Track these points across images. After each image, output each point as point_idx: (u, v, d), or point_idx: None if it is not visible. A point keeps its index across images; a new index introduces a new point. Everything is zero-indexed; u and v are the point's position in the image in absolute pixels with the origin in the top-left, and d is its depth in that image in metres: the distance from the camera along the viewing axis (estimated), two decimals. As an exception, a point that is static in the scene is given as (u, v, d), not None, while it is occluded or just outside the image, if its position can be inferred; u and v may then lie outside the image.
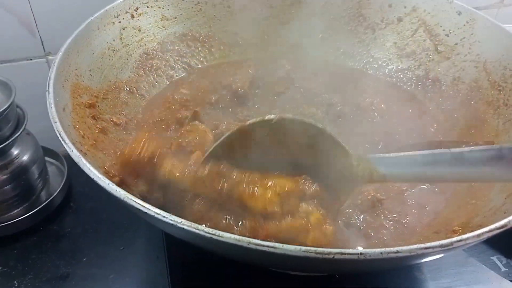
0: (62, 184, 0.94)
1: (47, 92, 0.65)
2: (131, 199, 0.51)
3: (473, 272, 0.78)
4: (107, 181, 0.53)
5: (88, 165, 0.55)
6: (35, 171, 0.91)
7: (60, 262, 0.83)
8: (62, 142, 0.58)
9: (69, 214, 0.94)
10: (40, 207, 0.89)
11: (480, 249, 0.86)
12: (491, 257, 0.85)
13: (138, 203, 0.51)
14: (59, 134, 0.59)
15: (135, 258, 0.84)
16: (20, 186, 0.88)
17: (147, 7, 0.95)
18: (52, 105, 0.63)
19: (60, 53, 0.74)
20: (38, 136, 0.94)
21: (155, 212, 0.50)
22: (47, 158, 1.00)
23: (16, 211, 0.89)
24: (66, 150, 0.57)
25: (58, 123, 0.60)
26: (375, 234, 0.69)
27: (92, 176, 0.54)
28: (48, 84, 0.67)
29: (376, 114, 0.91)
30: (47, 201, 0.90)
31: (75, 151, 0.56)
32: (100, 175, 0.54)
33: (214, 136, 0.74)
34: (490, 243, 0.87)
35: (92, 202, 0.95)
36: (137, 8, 0.93)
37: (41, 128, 0.88)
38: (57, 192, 0.92)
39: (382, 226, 0.70)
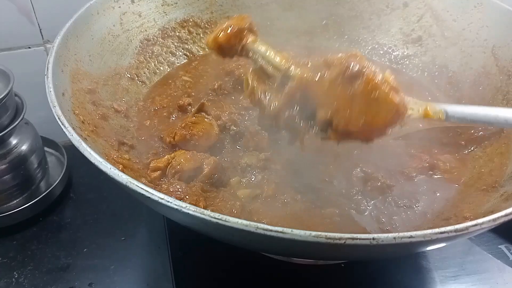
0: (62, 174, 0.93)
1: (45, 76, 0.64)
2: (133, 183, 0.50)
3: (479, 261, 0.78)
4: (109, 165, 0.51)
5: (88, 149, 0.53)
6: (34, 161, 0.90)
7: (60, 253, 0.82)
8: (62, 126, 0.56)
9: (69, 205, 0.92)
10: (39, 197, 0.88)
11: (487, 238, 0.85)
12: (499, 246, 0.84)
13: (141, 188, 0.49)
14: (58, 118, 0.57)
15: (136, 249, 0.83)
16: (19, 176, 0.87)
17: (147, -9, 0.93)
18: (51, 89, 0.61)
19: (59, 37, 0.72)
20: (38, 126, 0.93)
21: (158, 197, 0.48)
22: (46, 149, 0.99)
23: (15, 201, 0.88)
24: (66, 140, 0.56)
25: (58, 107, 0.58)
26: (387, 220, 0.67)
27: (93, 160, 0.52)
28: (47, 68, 0.65)
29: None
30: (46, 192, 0.89)
31: (75, 135, 0.55)
32: (101, 159, 0.52)
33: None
34: (497, 232, 0.85)
35: (92, 193, 0.94)
36: (137, -7, 0.91)
37: (40, 118, 0.87)
38: (56, 182, 0.91)
39: (393, 212, 0.69)
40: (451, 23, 0.93)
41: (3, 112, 0.81)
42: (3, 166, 0.84)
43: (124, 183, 0.50)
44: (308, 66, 0.62)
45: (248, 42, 0.67)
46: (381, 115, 0.57)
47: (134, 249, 0.82)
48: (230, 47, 0.68)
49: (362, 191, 0.71)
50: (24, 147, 0.87)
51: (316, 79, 0.59)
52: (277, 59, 0.65)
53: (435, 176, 0.75)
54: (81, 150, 0.53)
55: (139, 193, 0.49)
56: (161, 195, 0.48)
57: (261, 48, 0.67)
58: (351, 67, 0.56)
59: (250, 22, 0.68)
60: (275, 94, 0.64)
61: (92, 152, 0.53)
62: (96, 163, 0.52)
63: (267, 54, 0.66)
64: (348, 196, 0.70)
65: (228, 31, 0.67)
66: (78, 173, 0.98)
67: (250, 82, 0.67)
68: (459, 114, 0.62)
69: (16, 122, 0.83)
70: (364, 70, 0.56)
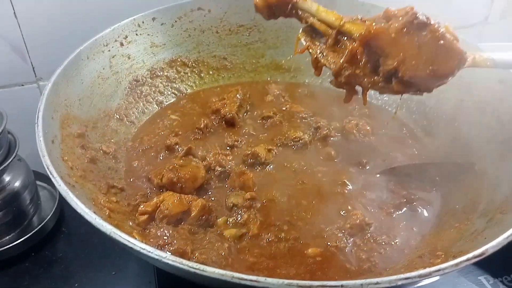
0: (54, 208, 0.94)
1: (36, 125, 0.66)
2: (117, 234, 0.53)
3: (460, 291, 0.80)
4: (94, 215, 0.54)
5: (75, 199, 0.56)
6: (27, 196, 0.91)
7: (52, 287, 0.83)
8: (50, 176, 0.59)
9: (61, 239, 0.94)
10: (32, 232, 0.89)
11: (468, 269, 0.87)
12: (479, 277, 0.86)
13: (124, 238, 0.52)
14: (47, 168, 0.60)
15: (126, 283, 0.84)
16: (12, 212, 0.88)
17: (136, 34, 0.96)
18: (41, 138, 0.64)
19: (49, 84, 0.75)
20: (29, 159, 0.94)
21: (140, 247, 0.51)
22: (38, 182, 1.00)
23: (7, 237, 0.89)
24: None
25: (47, 157, 0.61)
26: (366, 257, 0.69)
27: (79, 210, 0.55)
28: (37, 116, 0.68)
29: (362, 136, 0.92)
30: (39, 226, 0.90)
31: (62, 185, 0.58)
32: (86, 210, 0.55)
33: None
34: (478, 263, 0.88)
35: (84, 227, 0.95)
36: (126, 36, 0.95)
37: (32, 152, 0.86)
38: (49, 217, 0.92)
39: (372, 249, 0.71)
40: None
41: (-4, 150, 0.82)
42: (-4, 203, 0.85)
43: (108, 233, 0.53)
44: (362, 21, 0.64)
45: (298, 1, 0.69)
46: (447, 63, 0.60)
47: (124, 284, 0.84)
48: (280, 7, 0.71)
49: (342, 228, 0.73)
50: (17, 184, 0.89)
51: (382, 31, 0.61)
52: (330, 16, 0.67)
53: (412, 212, 0.78)
54: (68, 200, 0.56)
55: (122, 243, 0.52)
56: (143, 245, 0.51)
57: (312, 6, 0.69)
58: (419, 17, 0.59)
59: None
60: (332, 52, 0.67)
61: (78, 202, 0.56)
62: (82, 213, 0.55)
63: (319, 12, 0.68)
64: (329, 233, 0.72)
65: None
66: (70, 207, 0.95)
67: (304, 41, 0.70)
68: (504, 61, 0.66)
69: (9, 160, 0.84)
70: (430, 19, 0.59)
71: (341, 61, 0.65)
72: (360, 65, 0.64)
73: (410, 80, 0.61)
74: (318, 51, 0.69)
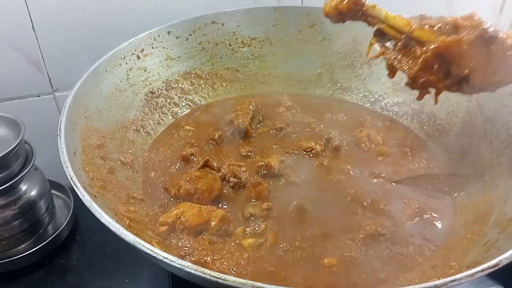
0: (69, 217, 0.96)
1: (58, 137, 0.68)
2: (140, 243, 0.54)
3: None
4: (118, 225, 0.56)
5: (99, 209, 0.58)
6: (42, 205, 0.93)
7: (66, 296, 0.85)
8: (74, 187, 0.60)
9: (75, 248, 0.95)
10: (47, 241, 0.91)
11: (480, 279, 0.88)
12: (490, 287, 0.87)
13: (147, 247, 0.53)
14: (71, 179, 0.62)
15: (140, 291, 0.85)
16: (28, 221, 0.90)
17: (152, 48, 0.99)
18: (64, 150, 0.66)
19: (70, 97, 0.77)
20: (45, 168, 0.97)
21: (163, 256, 0.52)
22: (53, 191, 1.02)
23: (23, 245, 0.90)
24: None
25: (70, 168, 0.63)
26: (381, 267, 0.70)
27: (103, 220, 0.57)
28: (60, 128, 0.70)
29: (373, 146, 0.94)
30: (54, 235, 0.92)
31: (86, 195, 0.59)
32: (110, 220, 0.57)
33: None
34: (489, 274, 0.89)
35: (98, 235, 0.97)
36: (142, 50, 0.97)
37: (47, 161, 0.91)
38: (63, 225, 0.94)
39: (387, 258, 0.72)
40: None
41: (14, 160, 0.84)
42: (13, 212, 0.87)
43: (132, 242, 0.54)
44: (431, 27, 0.69)
45: (368, 7, 0.74)
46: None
47: (138, 292, 0.85)
48: (350, 13, 0.75)
49: (356, 238, 0.74)
50: (33, 193, 0.90)
51: (454, 44, 0.65)
52: (399, 22, 0.71)
53: (425, 222, 0.79)
54: (92, 210, 0.58)
55: (145, 252, 0.53)
56: (166, 255, 0.53)
57: (381, 12, 0.73)
58: (489, 32, 0.63)
59: None
60: (405, 56, 0.71)
61: (102, 213, 0.57)
62: (106, 223, 0.56)
63: (388, 18, 0.73)
64: (343, 243, 0.73)
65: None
66: (84, 215, 1.01)
67: (377, 47, 0.75)
68: None
69: (27, 170, 0.86)
70: (498, 33, 0.63)
71: (415, 68, 0.70)
72: (433, 71, 0.69)
73: (480, 85, 0.67)
74: (393, 56, 0.73)
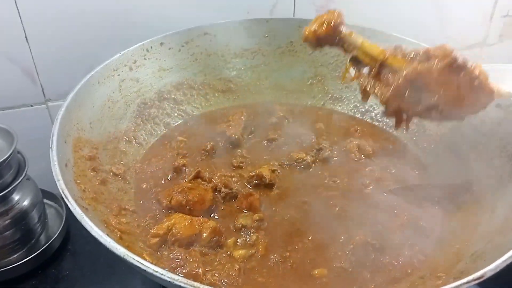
0: (61, 227, 0.96)
1: (50, 150, 0.69)
2: (130, 256, 0.55)
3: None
4: (108, 238, 0.56)
5: (90, 222, 0.58)
6: (35, 215, 0.93)
7: (58, 306, 0.85)
8: (66, 200, 0.61)
9: (67, 257, 0.96)
10: (39, 251, 0.91)
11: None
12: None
13: (138, 261, 0.54)
14: (62, 191, 0.62)
15: (132, 301, 0.86)
16: (20, 231, 0.90)
17: (145, 59, 1.00)
18: (56, 163, 0.67)
19: (63, 109, 0.78)
20: (37, 178, 0.97)
21: (153, 269, 0.53)
22: (45, 201, 1.02)
23: (15, 255, 0.91)
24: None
25: (62, 181, 0.64)
26: (371, 277, 0.71)
27: (93, 233, 0.57)
28: (52, 141, 0.71)
29: (363, 156, 0.95)
30: (46, 245, 0.92)
31: (77, 209, 0.60)
32: (101, 233, 0.57)
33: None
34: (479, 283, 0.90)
35: (90, 245, 0.97)
36: (135, 61, 0.98)
37: (39, 170, 0.90)
38: (56, 235, 0.94)
39: (377, 268, 0.73)
40: (426, 84, 1.00)
41: (6, 170, 0.85)
42: (6, 222, 0.87)
43: (122, 256, 0.55)
44: (403, 55, 0.72)
45: (345, 34, 0.77)
46: (480, 99, 0.68)
47: (129, 301, 0.86)
48: (327, 39, 0.78)
49: (346, 248, 0.74)
50: (25, 203, 0.91)
51: (425, 71, 0.68)
52: (373, 50, 0.75)
53: (414, 232, 0.79)
54: (83, 223, 0.58)
55: (136, 265, 0.54)
56: (156, 268, 0.53)
57: (358, 40, 0.77)
58: (458, 61, 0.66)
59: (342, 16, 0.78)
60: (378, 81, 0.74)
61: (93, 226, 0.58)
62: (97, 236, 0.57)
63: (363, 45, 0.76)
64: (333, 254, 0.74)
65: (325, 25, 0.77)
66: (76, 225, 0.98)
67: (352, 72, 0.78)
68: None
69: (19, 180, 0.87)
70: (467, 62, 0.67)
71: (387, 94, 0.72)
72: (405, 98, 0.71)
73: (448, 113, 0.70)
74: (366, 82, 0.76)
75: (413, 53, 0.72)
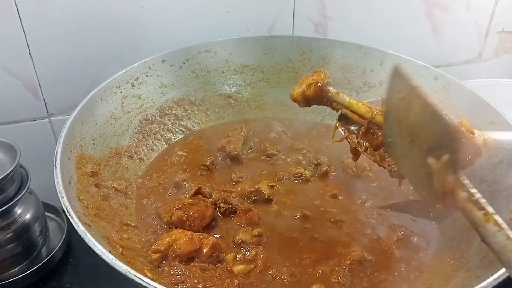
0: (62, 240, 0.97)
1: (54, 167, 0.70)
2: (132, 274, 0.56)
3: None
4: (111, 256, 0.58)
5: (93, 240, 0.60)
6: (36, 228, 0.94)
7: (58, 319, 0.85)
8: (69, 217, 0.62)
9: (68, 270, 0.96)
10: (40, 264, 0.91)
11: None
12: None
13: (140, 278, 0.55)
14: (66, 209, 0.64)
15: (132, 315, 0.87)
16: (22, 244, 0.91)
17: (147, 76, 1.02)
18: (59, 180, 0.68)
19: (66, 127, 0.79)
20: (38, 191, 0.98)
21: (154, 287, 0.54)
22: (47, 213, 1.03)
23: (17, 268, 0.91)
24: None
25: (65, 198, 0.65)
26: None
27: (96, 251, 0.59)
28: (55, 158, 0.72)
29: (360, 172, 0.96)
30: (47, 258, 0.93)
31: (80, 226, 0.61)
32: (104, 250, 0.59)
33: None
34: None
35: (91, 257, 0.95)
36: (137, 78, 1.00)
37: (41, 184, 0.92)
38: (57, 248, 0.95)
39: (373, 284, 0.74)
40: (422, 101, 1.02)
41: (9, 184, 0.85)
42: (8, 236, 0.88)
43: (124, 273, 0.56)
44: None
45: (332, 94, 0.81)
46: (468, 155, 0.68)
47: (130, 315, 0.87)
48: (315, 99, 0.82)
49: (343, 264, 0.75)
50: (27, 216, 0.91)
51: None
52: (361, 108, 0.77)
53: (410, 248, 0.81)
54: (86, 240, 0.60)
55: (138, 282, 0.55)
56: (157, 285, 0.55)
57: (345, 99, 0.80)
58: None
59: (328, 76, 0.83)
60: (367, 140, 0.77)
61: (96, 243, 0.59)
62: (100, 253, 0.58)
63: (351, 104, 0.79)
64: (330, 269, 0.75)
65: (313, 86, 0.81)
66: (77, 237, 0.97)
67: (341, 131, 0.82)
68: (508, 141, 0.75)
69: (22, 194, 0.87)
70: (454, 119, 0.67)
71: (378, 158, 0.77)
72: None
73: None
74: (356, 141, 0.79)
75: None
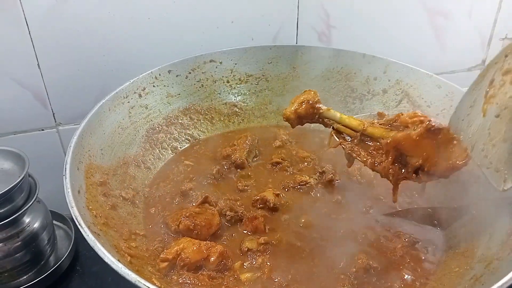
0: (70, 248, 0.98)
1: (64, 177, 0.72)
2: (141, 282, 0.57)
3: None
4: (120, 264, 0.59)
5: (102, 249, 0.61)
6: (45, 237, 0.95)
7: (67, 326, 0.86)
8: (79, 226, 0.64)
9: (76, 278, 0.97)
10: (48, 272, 0.93)
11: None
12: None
13: (149, 287, 0.56)
14: (76, 218, 0.65)
15: (140, 323, 0.87)
16: (30, 253, 0.92)
17: (153, 86, 1.03)
18: (69, 190, 0.69)
19: (75, 137, 0.81)
20: (46, 199, 0.99)
21: (164, 296, 0.55)
22: (55, 222, 1.04)
23: (25, 277, 0.92)
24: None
25: (75, 208, 0.66)
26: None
27: (106, 260, 0.60)
28: (65, 168, 0.73)
29: (364, 179, 0.97)
30: (55, 266, 0.94)
31: (90, 235, 0.62)
32: (113, 259, 0.60)
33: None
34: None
35: (98, 265, 0.99)
36: (144, 88, 1.01)
37: (49, 192, 0.94)
38: (65, 256, 0.96)
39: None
40: (426, 109, 1.03)
41: (18, 194, 0.87)
42: (16, 244, 0.89)
43: (133, 282, 0.57)
44: (380, 125, 0.79)
45: (324, 110, 0.85)
46: (459, 158, 0.72)
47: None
48: (307, 116, 0.86)
49: (348, 272, 0.76)
50: (36, 225, 0.92)
51: (406, 138, 0.74)
52: (352, 123, 0.82)
53: (415, 255, 0.81)
54: (96, 250, 0.61)
55: (147, 291, 0.56)
56: (167, 294, 0.56)
57: (336, 114, 0.85)
58: (434, 125, 0.71)
59: (318, 95, 0.87)
60: (362, 149, 0.81)
61: (105, 252, 0.60)
62: (109, 262, 0.59)
63: (342, 119, 0.84)
64: (336, 277, 0.76)
65: (304, 104, 0.86)
66: (84, 245, 1.02)
67: (336, 138, 0.85)
68: None
69: (30, 203, 0.88)
70: (442, 125, 0.72)
71: (369, 160, 0.80)
72: (389, 163, 0.77)
73: (434, 172, 0.74)
74: (349, 147, 0.82)
75: (389, 121, 0.78)
